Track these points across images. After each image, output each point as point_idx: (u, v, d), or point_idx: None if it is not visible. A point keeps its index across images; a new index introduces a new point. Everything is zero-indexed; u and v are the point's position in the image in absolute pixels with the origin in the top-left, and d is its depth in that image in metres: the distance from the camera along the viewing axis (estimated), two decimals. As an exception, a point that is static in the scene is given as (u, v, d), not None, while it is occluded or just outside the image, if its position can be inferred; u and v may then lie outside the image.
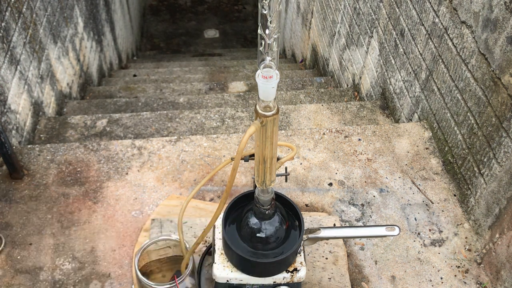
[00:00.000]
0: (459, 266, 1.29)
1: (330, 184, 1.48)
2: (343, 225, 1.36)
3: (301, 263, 0.94)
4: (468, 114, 1.43)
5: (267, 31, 0.61)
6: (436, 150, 1.61)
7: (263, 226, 0.88)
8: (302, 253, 0.95)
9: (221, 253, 0.94)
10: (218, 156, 1.55)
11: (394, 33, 2.01)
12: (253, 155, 0.97)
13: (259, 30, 0.62)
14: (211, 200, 1.42)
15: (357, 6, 2.49)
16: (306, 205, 1.42)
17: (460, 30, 1.46)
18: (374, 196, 1.45)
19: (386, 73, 2.14)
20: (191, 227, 1.26)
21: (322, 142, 1.62)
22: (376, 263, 1.28)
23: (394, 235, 0.96)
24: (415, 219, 1.39)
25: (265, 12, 0.59)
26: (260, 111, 0.71)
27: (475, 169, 1.38)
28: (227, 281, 0.93)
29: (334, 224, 1.32)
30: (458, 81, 1.49)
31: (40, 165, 1.49)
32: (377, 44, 2.23)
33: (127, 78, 3.62)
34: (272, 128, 0.73)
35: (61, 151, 1.54)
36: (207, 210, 1.35)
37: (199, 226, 1.27)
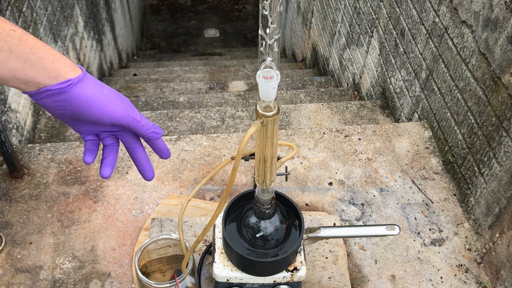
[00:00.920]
0: (459, 266, 1.29)
1: (330, 184, 1.48)
2: (343, 225, 1.36)
3: (301, 262, 0.94)
4: (468, 113, 1.43)
5: (267, 32, 0.61)
6: (436, 149, 1.62)
7: (263, 225, 0.88)
8: (302, 253, 0.95)
9: (221, 252, 0.94)
10: (218, 155, 1.55)
11: (395, 32, 2.01)
12: (253, 154, 0.97)
13: (259, 31, 0.62)
14: (211, 199, 1.42)
15: (358, 5, 2.49)
16: (306, 205, 1.42)
17: (460, 29, 1.46)
18: (374, 196, 1.45)
19: (386, 73, 2.14)
20: (191, 226, 1.26)
21: (322, 141, 1.63)
22: (376, 263, 1.28)
23: (394, 235, 0.96)
24: (415, 219, 1.40)
25: (266, 12, 0.59)
26: (260, 111, 0.71)
27: (475, 168, 1.39)
28: (227, 280, 0.94)
29: (334, 224, 1.32)
30: (458, 81, 1.49)
31: (40, 164, 1.49)
32: (377, 44, 2.23)
33: (127, 77, 3.62)
34: (272, 128, 0.73)
35: (61, 150, 1.54)
36: (207, 209, 1.36)
37: (199, 225, 1.27)
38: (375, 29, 2.25)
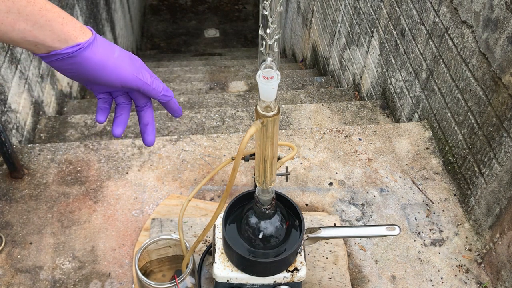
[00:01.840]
0: (459, 266, 1.29)
1: (331, 184, 1.48)
2: (344, 225, 1.36)
3: (301, 262, 0.94)
4: (469, 114, 1.43)
5: (268, 32, 0.61)
6: (437, 150, 1.62)
7: (264, 226, 0.88)
8: (302, 253, 0.95)
9: (221, 253, 0.94)
10: (218, 155, 1.55)
11: (395, 32, 2.01)
12: (253, 154, 0.97)
13: (260, 31, 0.62)
14: (212, 199, 1.42)
15: (358, 5, 2.49)
16: (307, 205, 1.42)
17: (461, 30, 1.46)
18: (374, 196, 1.45)
19: (386, 73, 2.14)
20: (191, 226, 1.26)
21: (322, 141, 1.62)
22: (376, 263, 1.28)
23: (395, 235, 0.96)
24: (416, 219, 1.39)
25: (266, 13, 0.59)
26: (260, 112, 0.71)
27: (476, 169, 1.38)
28: (227, 280, 0.94)
29: (335, 224, 1.32)
30: (458, 81, 1.49)
31: (40, 164, 1.49)
32: (377, 44, 2.23)
33: (127, 78, 3.61)
34: (272, 128, 0.73)
35: (61, 150, 1.54)
36: (208, 209, 1.36)
37: (199, 225, 1.27)
38: (375, 29, 2.25)
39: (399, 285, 1.24)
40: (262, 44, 0.63)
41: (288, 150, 1.58)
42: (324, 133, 1.65)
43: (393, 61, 2.04)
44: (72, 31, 0.58)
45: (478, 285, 1.26)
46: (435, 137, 1.65)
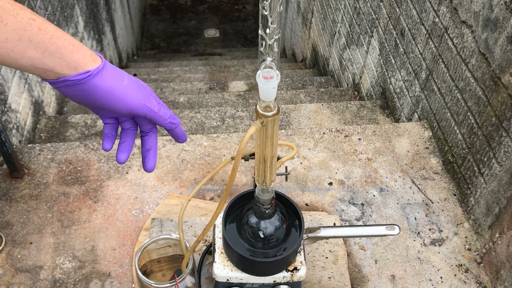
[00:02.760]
0: (459, 266, 1.29)
1: (330, 184, 1.48)
2: (343, 225, 1.37)
3: (301, 262, 0.94)
4: (468, 113, 1.43)
5: (267, 32, 0.61)
6: (436, 149, 1.62)
7: (263, 225, 0.88)
8: (302, 252, 0.95)
9: (221, 252, 0.94)
10: (218, 155, 1.55)
11: (394, 32, 2.01)
12: (253, 154, 0.97)
13: (259, 31, 0.62)
14: (211, 199, 1.42)
15: (357, 5, 2.49)
16: (306, 204, 1.42)
17: (460, 29, 1.46)
18: (374, 196, 1.45)
19: (386, 73, 2.14)
20: (191, 226, 1.26)
21: (322, 141, 1.63)
22: (376, 262, 1.28)
23: (394, 235, 0.96)
24: (415, 219, 1.40)
25: (265, 13, 0.59)
26: (260, 111, 0.71)
27: (475, 168, 1.39)
28: (227, 280, 0.94)
29: (334, 224, 1.32)
30: (458, 81, 1.49)
31: (40, 164, 1.49)
32: (377, 44, 2.23)
33: (127, 78, 3.61)
34: (272, 128, 0.73)
35: (61, 150, 1.54)
36: (207, 209, 1.36)
37: (199, 225, 1.27)
38: (375, 29, 2.25)
39: (399, 285, 1.24)
40: (262, 44, 0.63)
41: (288, 150, 1.58)
42: (324, 133, 1.65)
43: (393, 61, 2.04)
44: (82, 58, 0.58)
45: (477, 285, 1.26)
46: (435, 137, 1.66)
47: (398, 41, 1.98)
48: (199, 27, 6.28)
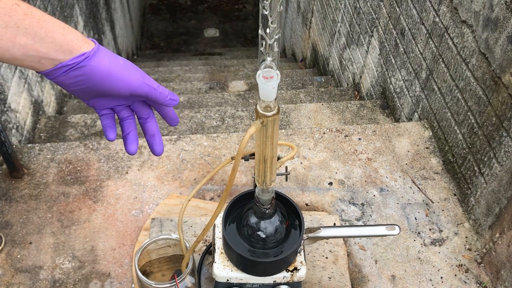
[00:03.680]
0: (459, 266, 1.29)
1: (330, 184, 1.48)
2: (343, 225, 1.36)
3: (301, 262, 0.94)
4: (469, 113, 1.43)
5: (268, 31, 0.61)
6: (436, 149, 1.62)
7: (263, 225, 0.88)
8: (302, 253, 0.95)
9: (221, 252, 0.94)
10: (218, 155, 1.55)
11: (395, 32, 2.01)
12: (253, 154, 0.97)
13: (259, 31, 0.62)
14: (211, 199, 1.42)
15: (358, 5, 2.49)
16: (306, 204, 1.42)
17: (461, 29, 1.46)
18: (374, 196, 1.45)
19: (386, 73, 2.14)
20: (191, 226, 1.26)
21: (322, 141, 1.62)
22: (376, 263, 1.28)
23: (394, 235, 0.96)
24: (415, 219, 1.39)
25: (266, 12, 0.59)
26: (260, 111, 0.71)
27: (476, 168, 1.38)
28: (227, 280, 0.94)
29: (334, 224, 1.32)
30: (458, 81, 1.49)
31: (40, 164, 1.49)
32: (377, 44, 2.23)
33: (127, 77, 3.61)
34: (272, 128, 0.73)
35: (61, 150, 1.54)
36: (207, 209, 1.36)
37: (199, 225, 1.27)
38: (375, 29, 2.25)
39: (399, 285, 1.24)
40: (262, 44, 0.63)
41: (288, 149, 1.58)
42: (324, 133, 1.65)
43: (393, 60, 2.04)
44: (75, 40, 0.57)
45: (477, 285, 1.26)
46: (435, 136, 1.65)
47: (398, 40, 1.97)
48: (199, 27, 6.28)
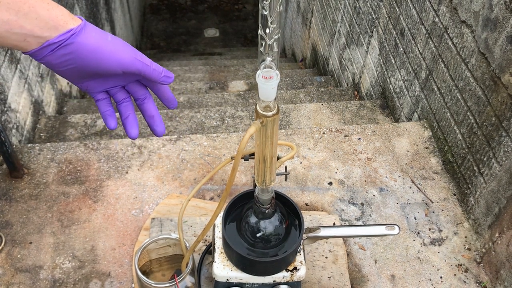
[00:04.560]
0: (458, 265, 1.29)
1: (330, 183, 1.48)
2: (343, 224, 1.37)
3: (301, 262, 0.94)
4: (468, 113, 1.43)
5: (267, 32, 0.61)
6: (436, 149, 1.62)
7: (263, 225, 0.88)
8: (302, 252, 0.95)
9: (221, 252, 0.94)
10: (218, 155, 1.55)
11: (394, 32, 2.01)
12: (253, 154, 0.97)
13: (259, 31, 0.62)
14: (211, 199, 1.42)
15: (357, 5, 2.49)
16: (306, 204, 1.42)
17: (460, 29, 1.46)
18: (374, 195, 1.45)
19: (386, 73, 2.14)
20: (191, 226, 1.26)
21: (322, 141, 1.63)
22: (375, 262, 1.28)
23: (394, 234, 0.96)
24: (415, 218, 1.40)
25: (265, 12, 0.59)
26: (260, 111, 0.71)
27: (475, 168, 1.39)
28: (227, 280, 0.94)
29: (334, 223, 1.32)
30: (458, 81, 1.49)
31: (40, 164, 1.49)
32: (377, 44, 2.23)
33: (127, 77, 3.61)
34: (272, 128, 0.73)
35: (61, 150, 1.54)
36: (207, 209, 1.36)
37: (199, 225, 1.27)
38: (375, 29, 2.25)
39: (399, 285, 1.24)
40: (262, 44, 0.63)
41: (288, 149, 1.58)
42: (323, 133, 1.65)
43: (393, 60, 2.04)
44: (61, 16, 0.55)
45: (477, 285, 1.26)
46: (435, 136, 1.66)
47: (398, 40, 1.98)
48: (199, 27, 6.28)
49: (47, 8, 0.54)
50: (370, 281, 1.24)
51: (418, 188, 1.48)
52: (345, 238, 1.31)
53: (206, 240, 1.21)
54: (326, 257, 1.22)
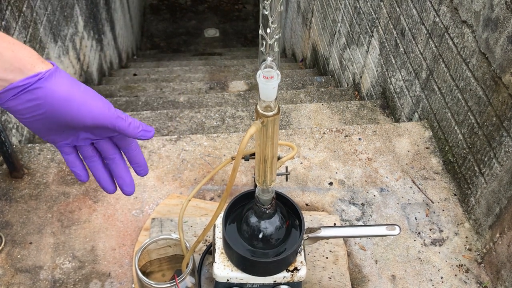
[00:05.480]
0: (459, 266, 1.29)
1: (331, 184, 1.48)
2: (344, 225, 1.36)
3: (301, 262, 0.94)
4: (469, 113, 1.43)
5: (268, 31, 0.61)
6: (437, 149, 1.61)
7: (264, 225, 0.88)
8: (302, 253, 0.95)
9: (222, 252, 0.94)
10: (218, 155, 1.55)
11: (395, 32, 2.01)
12: (253, 154, 0.97)
13: (260, 31, 0.62)
14: (212, 199, 1.42)
15: (358, 5, 2.49)
16: (307, 204, 1.42)
17: (461, 29, 1.46)
18: (374, 196, 1.45)
19: (386, 73, 2.14)
20: (191, 226, 1.26)
21: (322, 141, 1.62)
22: (376, 263, 1.28)
23: (395, 235, 0.96)
24: (416, 219, 1.39)
25: (266, 12, 0.59)
26: (260, 111, 0.71)
27: (476, 168, 1.38)
28: (227, 280, 0.94)
29: (335, 224, 1.32)
30: (458, 81, 1.49)
31: (40, 164, 1.49)
32: (377, 44, 2.23)
33: (127, 77, 3.62)
34: (273, 128, 0.73)
35: (61, 150, 1.54)
36: (208, 209, 1.36)
37: (199, 225, 1.27)
38: (375, 29, 2.25)
39: (399, 285, 1.24)
40: (262, 44, 0.63)
41: (288, 149, 1.58)
42: (324, 133, 1.65)
43: (393, 60, 2.04)
44: (28, 58, 0.50)
45: (478, 285, 1.26)
46: (435, 136, 1.65)
47: (398, 40, 1.97)
48: (199, 27, 6.28)
49: (12, 49, 0.49)
50: (370, 282, 1.24)
51: (419, 188, 1.48)
52: (345, 238, 1.31)
53: (206, 241, 1.21)
54: (327, 258, 1.22)
